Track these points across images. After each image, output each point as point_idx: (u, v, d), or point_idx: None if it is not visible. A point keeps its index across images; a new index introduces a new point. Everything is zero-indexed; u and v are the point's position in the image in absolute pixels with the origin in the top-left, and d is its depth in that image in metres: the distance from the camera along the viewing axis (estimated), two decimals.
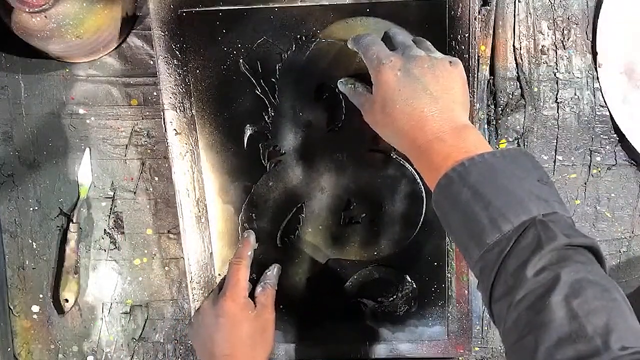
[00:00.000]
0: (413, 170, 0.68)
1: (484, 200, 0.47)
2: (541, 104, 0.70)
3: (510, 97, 0.70)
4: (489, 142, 0.70)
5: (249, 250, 0.68)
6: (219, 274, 0.71)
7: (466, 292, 0.71)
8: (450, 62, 0.55)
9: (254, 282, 0.70)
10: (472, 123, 0.66)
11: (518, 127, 0.70)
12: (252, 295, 0.68)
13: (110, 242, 0.74)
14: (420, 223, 0.70)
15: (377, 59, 0.55)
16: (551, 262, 0.44)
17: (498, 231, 0.45)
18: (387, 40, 0.58)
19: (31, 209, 0.73)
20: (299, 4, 0.65)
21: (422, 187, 0.69)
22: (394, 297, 0.72)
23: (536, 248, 0.44)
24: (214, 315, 0.64)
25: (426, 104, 0.52)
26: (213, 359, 0.64)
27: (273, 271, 0.70)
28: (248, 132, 0.68)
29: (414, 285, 0.71)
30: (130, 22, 0.69)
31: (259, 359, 0.65)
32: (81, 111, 0.71)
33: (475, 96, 0.66)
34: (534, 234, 0.44)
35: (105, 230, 0.74)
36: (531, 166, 0.49)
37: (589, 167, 0.71)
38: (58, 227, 0.74)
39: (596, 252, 0.46)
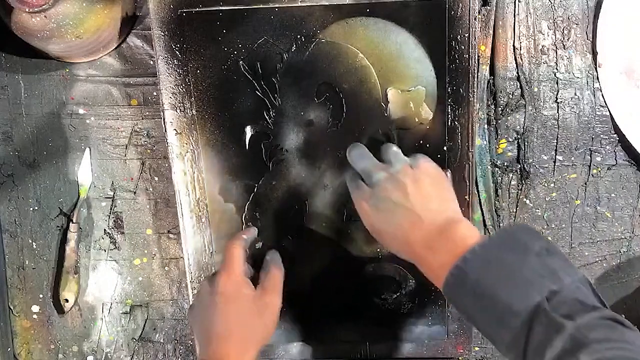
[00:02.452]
0: None
1: (488, 300, 0.47)
2: (541, 104, 0.70)
3: (510, 97, 0.70)
4: (489, 142, 0.70)
5: (248, 236, 0.65)
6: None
7: None
8: (411, 165, 0.58)
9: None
10: (472, 123, 0.66)
11: (518, 127, 0.70)
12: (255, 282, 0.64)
13: (110, 242, 0.74)
14: None
15: (352, 193, 0.61)
16: (565, 350, 0.43)
17: (509, 329, 0.46)
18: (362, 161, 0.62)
19: (31, 209, 0.73)
20: (299, 4, 0.65)
21: None
22: (397, 294, 0.72)
23: (547, 342, 0.44)
24: (209, 293, 0.61)
25: (402, 219, 0.55)
26: (207, 340, 0.59)
27: (273, 255, 0.67)
28: (249, 132, 0.68)
29: (416, 284, 0.71)
30: (130, 22, 0.69)
31: (253, 342, 0.59)
32: (81, 111, 0.71)
33: (475, 96, 0.66)
34: (540, 327, 0.45)
35: (105, 230, 0.74)
36: (527, 240, 0.50)
37: (589, 167, 0.71)
38: (58, 227, 0.74)
39: (611, 317, 0.45)
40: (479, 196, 0.71)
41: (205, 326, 0.60)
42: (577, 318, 0.44)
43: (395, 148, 0.61)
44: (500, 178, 0.71)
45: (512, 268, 0.48)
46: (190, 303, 0.68)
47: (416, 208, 0.55)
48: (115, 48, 0.70)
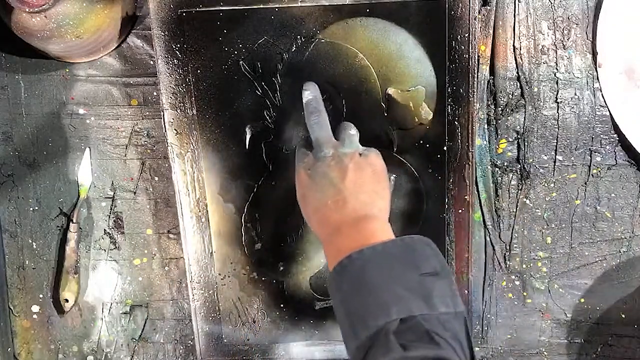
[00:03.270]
0: (414, 169, 0.68)
1: (350, 304, 0.48)
2: (541, 104, 0.70)
3: (510, 97, 0.70)
4: (489, 142, 0.70)
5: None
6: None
7: (466, 292, 0.71)
8: (360, 153, 0.58)
9: (260, 277, 0.69)
10: (472, 123, 0.66)
11: (518, 127, 0.70)
12: None
13: (110, 242, 0.74)
14: (421, 221, 0.70)
15: (296, 158, 0.61)
16: None
17: (356, 339, 0.46)
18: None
19: (31, 209, 0.73)
20: (299, 4, 0.65)
21: (422, 184, 0.69)
22: None
23: None
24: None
25: (330, 196, 0.55)
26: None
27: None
28: (250, 132, 0.68)
29: None
30: (130, 22, 0.69)
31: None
32: (81, 111, 0.71)
33: (475, 96, 0.66)
34: (378, 347, 0.44)
35: (105, 230, 0.74)
36: (422, 255, 0.49)
37: (589, 167, 0.71)
38: (58, 227, 0.74)
39: (442, 358, 0.44)
40: (479, 196, 0.71)
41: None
42: (411, 350, 0.43)
43: (353, 131, 0.61)
44: (500, 178, 0.71)
45: (389, 278, 0.47)
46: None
47: (346, 192, 0.55)
48: (115, 48, 0.70)
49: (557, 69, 0.69)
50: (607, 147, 0.70)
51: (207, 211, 0.70)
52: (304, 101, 0.62)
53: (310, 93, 0.62)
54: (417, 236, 0.51)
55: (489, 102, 0.70)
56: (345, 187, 0.55)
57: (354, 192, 0.55)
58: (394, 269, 0.48)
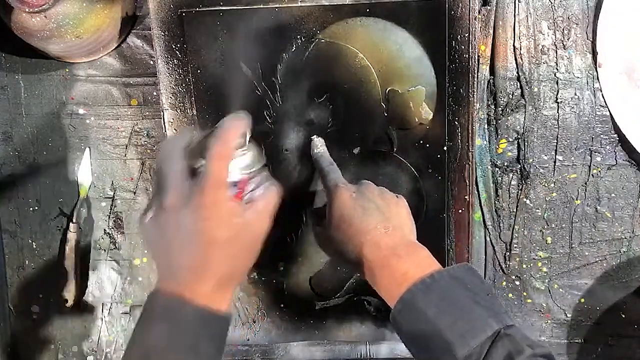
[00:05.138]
0: (414, 169, 0.68)
1: (450, 316, 0.50)
2: (541, 104, 0.70)
3: (510, 97, 0.70)
4: (489, 142, 0.70)
5: (237, 139, 0.51)
6: None
7: None
8: (397, 195, 0.61)
9: (260, 277, 0.69)
10: (472, 123, 0.66)
11: (518, 127, 0.70)
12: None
13: (110, 242, 0.74)
14: (421, 221, 0.70)
15: (334, 182, 0.60)
16: None
17: (467, 346, 0.49)
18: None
19: (31, 209, 0.73)
20: (299, 4, 0.65)
21: (422, 184, 0.69)
22: None
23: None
24: (182, 204, 0.48)
25: (380, 222, 0.56)
26: (176, 268, 0.49)
27: (269, 179, 0.55)
28: (250, 131, 0.68)
29: None
30: (130, 22, 0.69)
31: (236, 276, 0.52)
32: (81, 111, 0.71)
33: (475, 96, 0.66)
34: (503, 347, 0.48)
35: (105, 230, 0.74)
36: (479, 280, 0.54)
37: (589, 167, 0.71)
38: (58, 227, 0.74)
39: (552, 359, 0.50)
40: (479, 196, 0.71)
41: (173, 248, 0.49)
42: (536, 348, 0.49)
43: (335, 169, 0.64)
44: (500, 178, 0.71)
45: (475, 295, 0.52)
46: (145, 207, 0.51)
47: (393, 221, 0.57)
48: (115, 48, 0.70)
49: (557, 69, 0.69)
50: (607, 147, 0.70)
51: None
52: (315, 154, 0.66)
53: (321, 146, 0.67)
54: (464, 265, 0.56)
55: (489, 102, 0.70)
56: (391, 217, 0.57)
57: (399, 223, 0.58)
58: (473, 289, 0.52)
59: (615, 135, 0.70)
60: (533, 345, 0.49)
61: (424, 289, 0.52)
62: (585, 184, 0.71)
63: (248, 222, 0.51)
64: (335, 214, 0.58)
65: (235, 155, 0.51)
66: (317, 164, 0.65)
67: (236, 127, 0.51)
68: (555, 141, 0.70)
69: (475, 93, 0.66)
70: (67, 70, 0.70)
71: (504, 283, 0.74)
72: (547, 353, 0.49)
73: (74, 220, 0.72)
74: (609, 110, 0.69)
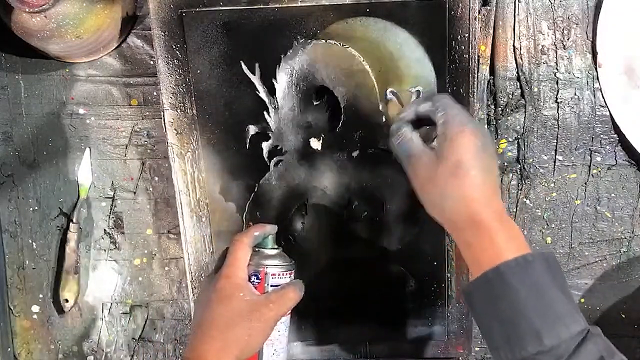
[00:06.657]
0: None
1: (541, 302, 0.48)
2: (541, 104, 0.70)
3: (510, 97, 0.70)
4: None
5: (258, 232, 0.62)
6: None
7: None
8: None
9: None
10: None
11: (518, 127, 0.70)
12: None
13: (110, 242, 0.74)
14: (421, 221, 0.70)
15: (460, 121, 0.53)
16: None
17: (557, 337, 0.47)
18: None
19: (31, 209, 0.73)
20: (299, 4, 0.65)
21: None
22: (398, 294, 0.72)
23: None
24: (206, 289, 0.60)
25: (494, 182, 0.53)
26: (192, 335, 0.58)
27: (297, 283, 0.62)
28: (250, 131, 0.68)
29: (416, 284, 0.71)
30: (130, 22, 0.69)
31: (234, 347, 0.56)
32: (81, 111, 0.71)
33: (475, 96, 0.66)
34: (595, 345, 0.47)
35: (105, 230, 0.74)
36: (562, 272, 0.52)
37: (589, 167, 0.71)
38: (58, 227, 0.74)
39: None
40: None
41: (196, 321, 0.59)
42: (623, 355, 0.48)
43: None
44: (500, 178, 0.71)
45: (565, 287, 0.50)
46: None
47: (499, 185, 0.55)
48: (115, 48, 0.70)
49: (557, 69, 0.69)
50: (607, 147, 0.70)
51: (208, 211, 0.70)
52: (438, 97, 0.57)
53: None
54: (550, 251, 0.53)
55: (489, 102, 0.70)
56: (497, 178, 0.55)
57: (499, 187, 0.56)
58: (560, 279, 0.50)
59: (615, 135, 0.70)
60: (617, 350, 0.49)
61: (524, 265, 0.49)
62: (585, 184, 0.71)
63: (255, 305, 0.58)
64: (453, 157, 0.52)
65: (262, 248, 0.62)
66: (426, 100, 0.57)
67: (259, 225, 0.62)
68: (555, 141, 0.70)
69: (475, 93, 0.66)
70: (67, 70, 0.70)
71: None
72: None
73: (74, 220, 0.72)
74: (609, 110, 0.69)
